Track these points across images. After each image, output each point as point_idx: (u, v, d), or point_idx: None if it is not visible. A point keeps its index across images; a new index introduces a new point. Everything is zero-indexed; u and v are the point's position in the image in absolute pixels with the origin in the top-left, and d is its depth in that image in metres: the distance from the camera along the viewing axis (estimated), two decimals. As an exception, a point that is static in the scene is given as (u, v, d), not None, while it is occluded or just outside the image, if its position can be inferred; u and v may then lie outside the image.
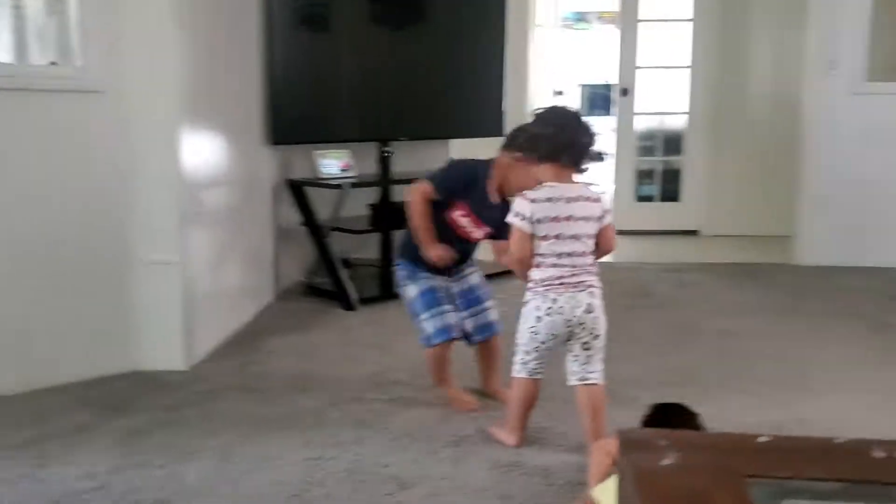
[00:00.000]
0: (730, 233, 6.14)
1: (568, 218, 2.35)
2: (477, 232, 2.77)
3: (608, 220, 2.43)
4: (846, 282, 4.70)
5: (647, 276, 4.83)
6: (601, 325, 2.42)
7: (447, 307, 2.74)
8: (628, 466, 1.10)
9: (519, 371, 2.48)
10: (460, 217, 2.72)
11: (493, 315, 2.87)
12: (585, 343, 2.42)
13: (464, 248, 2.81)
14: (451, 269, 2.81)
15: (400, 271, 2.85)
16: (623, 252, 5.70)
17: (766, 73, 6.13)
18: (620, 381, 3.03)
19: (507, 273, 4.48)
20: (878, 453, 1.15)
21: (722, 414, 2.68)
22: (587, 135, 2.40)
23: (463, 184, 2.72)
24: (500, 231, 2.73)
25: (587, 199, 2.40)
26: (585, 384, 2.44)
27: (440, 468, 2.34)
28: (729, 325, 3.82)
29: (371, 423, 2.66)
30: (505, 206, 2.76)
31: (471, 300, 2.84)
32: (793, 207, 5.30)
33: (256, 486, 2.23)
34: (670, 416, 2.17)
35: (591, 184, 2.52)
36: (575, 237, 2.37)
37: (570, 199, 2.37)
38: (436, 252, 2.69)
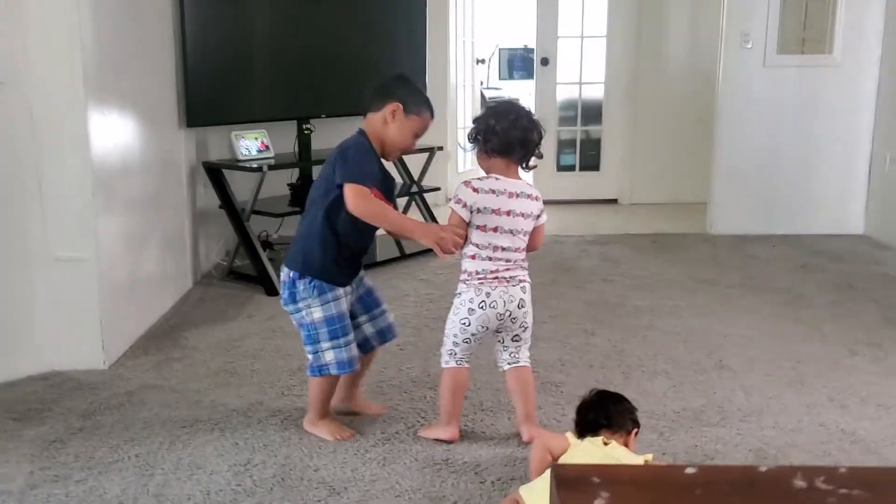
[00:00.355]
0: (648, 201, 6.27)
1: (508, 212, 2.40)
2: None
3: (544, 218, 2.49)
4: (759, 252, 4.86)
5: (569, 250, 4.88)
6: (531, 318, 2.49)
7: (352, 335, 2.50)
8: (561, 509, 1.11)
9: (447, 361, 2.49)
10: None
11: (391, 316, 2.70)
12: (515, 335, 2.48)
13: (370, 242, 2.64)
14: (355, 275, 2.56)
15: (305, 287, 2.43)
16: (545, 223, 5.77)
17: (682, 44, 6.22)
18: (546, 364, 3.08)
19: (427, 251, 4.51)
20: (800, 483, 1.18)
21: (645, 399, 2.76)
22: (537, 132, 2.44)
23: (374, 163, 2.46)
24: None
25: (528, 196, 2.43)
26: (515, 367, 2.50)
27: (370, 469, 2.33)
28: (649, 301, 3.90)
29: (298, 421, 2.62)
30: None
31: (369, 303, 2.62)
32: (708, 176, 5.42)
33: (183, 498, 2.18)
34: (609, 406, 2.20)
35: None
36: (512, 232, 2.40)
37: (512, 195, 2.40)
38: (443, 233, 2.34)
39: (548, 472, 1.97)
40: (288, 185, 4.48)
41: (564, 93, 6.48)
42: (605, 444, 2.10)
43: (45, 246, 2.97)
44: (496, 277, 2.40)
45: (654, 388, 2.88)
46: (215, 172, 4.16)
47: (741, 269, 4.48)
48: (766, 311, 3.75)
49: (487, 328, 2.44)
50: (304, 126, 4.39)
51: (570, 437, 2.15)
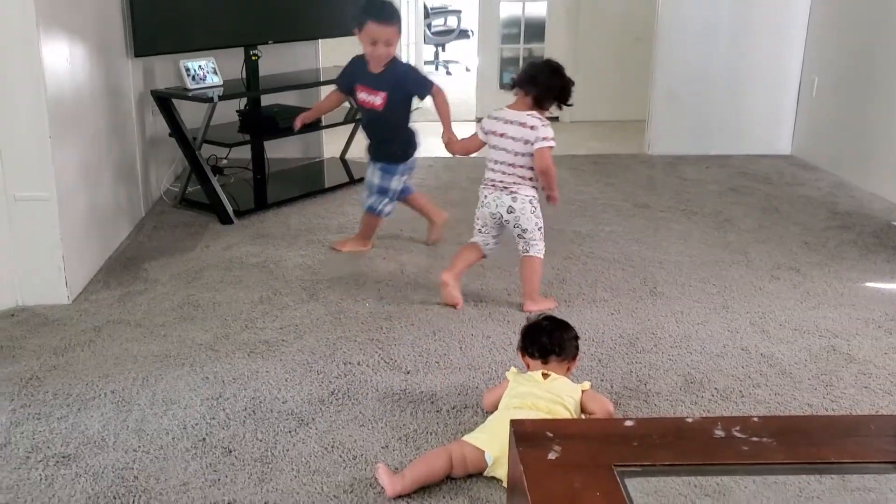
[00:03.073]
0: (589, 119, 6.43)
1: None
2: None
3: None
4: (693, 173, 5.09)
5: (513, 173, 5.03)
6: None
7: None
8: (518, 462, 1.31)
9: None
10: None
11: None
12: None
13: None
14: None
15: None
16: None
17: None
18: (494, 293, 3.29)
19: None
20: (718, 433, 1.40)
21: (583, 328, 2.98)
22: None
23: None
24: None
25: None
26: None
27: (334, 401, 2.51)
28: (590, 226, 4.11)
29: (264, 354, 2.79)
30: None
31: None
32: (647, 97, 5.60)
33: (162, 432, 2.34)
34: (561, 334, 2.38)
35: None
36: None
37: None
38: None
39: (492, 417, 2.20)
40: (237, 112, 4.51)
41: (508, 10, 6.51)
42: (545, 376, 2.30)
43: (3, 187, 3.01)
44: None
45: (593, 316, 3.11)
46: (164, 101, 4.16)
47: (675, 193, 4.71)
48: (697, 236, 4.00)
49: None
50: (251, 52, 4.39)
51: (510, 373, 2.35)
